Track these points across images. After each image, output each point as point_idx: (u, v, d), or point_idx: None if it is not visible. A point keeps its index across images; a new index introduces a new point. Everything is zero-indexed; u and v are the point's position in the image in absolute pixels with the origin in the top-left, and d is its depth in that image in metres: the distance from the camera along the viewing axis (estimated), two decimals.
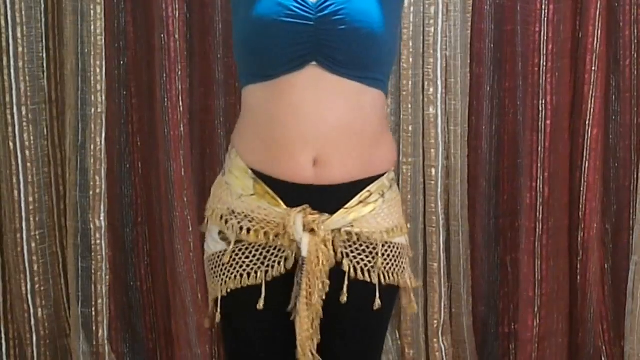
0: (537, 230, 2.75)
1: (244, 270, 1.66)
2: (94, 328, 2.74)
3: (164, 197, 2.71)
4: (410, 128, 2.74)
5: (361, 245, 1.67)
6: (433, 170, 2.75)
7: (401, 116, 2.74)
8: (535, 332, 2.79)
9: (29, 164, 2.67)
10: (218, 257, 1.69)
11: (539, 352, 2.80)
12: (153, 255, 2.84)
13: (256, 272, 1.65)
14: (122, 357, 2.86)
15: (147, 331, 2.88)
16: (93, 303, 2.73)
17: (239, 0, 1.66)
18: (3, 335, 2.79)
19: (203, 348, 2.76)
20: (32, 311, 2.72)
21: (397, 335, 2.86)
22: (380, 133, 1.69)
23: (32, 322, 2.73)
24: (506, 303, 2.89)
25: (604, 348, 2.86)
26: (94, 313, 2.74)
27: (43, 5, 2.64)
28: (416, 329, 2.83)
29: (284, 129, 1.61)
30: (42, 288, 2.74)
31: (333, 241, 1.64)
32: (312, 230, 1.61)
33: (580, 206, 2.77)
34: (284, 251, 1.64)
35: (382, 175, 1.70)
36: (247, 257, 1.66)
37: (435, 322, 2.82)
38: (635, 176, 2.82)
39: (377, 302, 1.67)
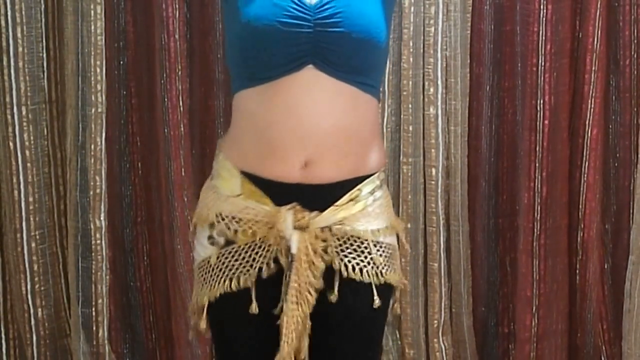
0: (535, 229, 2.75)
1: (234, 273, 1.65)
2: (94, 328, 2.74)
3: (164, 197, 2.71)
4: (410, 128, 2.74)
5: (352, 244, 1.66)
6: (433, 170, 2.76)
7: (401, 116, 2.74)
8: (534, 331, 2.79)
9: (29, 164, 2.67)
10: (207, 262, 1.68)
11: (538, 352, 2.80)
12: (153, 255, 2.83)
13: (245, 275, 1.64)
14: (122, 357, 2.85)
15: (146, 331, 2.88)
16: (93, 303, 2.73)
17: (232, 2, 1.64)
18: (3, 335, 2.79)
19: (203, 348, 2.76)
20: (32, 311, 2.72)
21: (397, 335, 2.86)
22: (372, 138, 1.69)
23: (32, 322, 2.73)
24: (506, 303, 2.89)
25: (603, 348, 2.87)
26: (94, 313, 2.74)
27: (43, 5, 2.64)
28: (416, 329, 2.84)
29: (277, 130, 1.60)
30: (42, 288, 2.74)
31: (324, 239, 1.63)
32: (302, 228, 1.61)
33: (580, 206, 2.77)
34: (273, 251, 1.63)
35: (373, 174, 1.70)
36: (236, 260, 1.65)
37: (436, 322, 2.83)
38: (635, 176, 2.82)
39: (377, 300, 1.67)
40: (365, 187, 1.67)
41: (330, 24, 1.56)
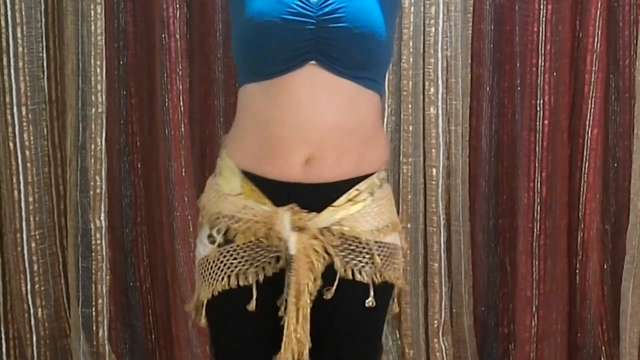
0: (535, 230, 2.75)
1: (232, 271, 1.65)
2: (94, 328, 2.74)
3: (164, 197, 2.70)
4: (410, 128, 2.74)
5: (350, 244, 1.66)
6: (434, 170, 2.76)
7: (401, 116, 2.74)
8: (534, 332, 2.79)
9: (29, 164, 2.66)
10: (206, 260, 1.69)
11: (538, 352, 2.80)
12: (152, 255, 2.83)
13: (245, 273, 1.65)
14: (122, 357, 2.85)
15: (146, 331, 2.88)
16: (93, 303, 2.73)
17: None
18: (3, 335, 2.79)
19: (203, 348, 2.76)
20: (32, 311, 2.72)
21: (397, 335, 2.86)
22: (373, 134, 1.69)
23: (32, 322, 2.73)
24: (506, 303, 2.89)
25: (603, 348, 2.87)
26: (94, 313, 2.74)
27: (43, 5, 2.64)
28: (416, 329, 2.84)
29: (279, 127, 1.60)
30: (42, 288, 2.74)
31: (322, 240, 1.63)
32: (300, 229, 1.61)
33: (580, 206, 2.77)
34: (274, 251, 1.64)
35: (373, 174, 1.69)
36: (234, 259, 1.65)
37: (436, 322, 2.83)
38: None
39: (371, 300, 1.67)
40: (364, 187, 1.67)
41: (333, 20, 1.57)
